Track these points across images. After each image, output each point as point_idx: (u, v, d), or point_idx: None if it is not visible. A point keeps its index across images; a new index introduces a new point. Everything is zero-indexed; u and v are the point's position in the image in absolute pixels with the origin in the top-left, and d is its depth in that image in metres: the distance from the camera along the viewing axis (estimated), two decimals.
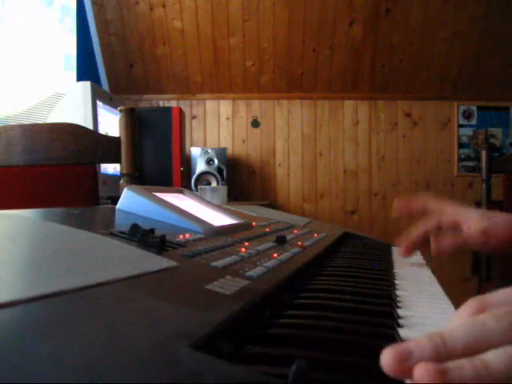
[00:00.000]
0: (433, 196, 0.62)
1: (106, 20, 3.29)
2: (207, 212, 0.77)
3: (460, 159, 3.66)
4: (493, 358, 0.23)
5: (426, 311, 0.47)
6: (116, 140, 1.16)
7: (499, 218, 0.53)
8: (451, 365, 0.22)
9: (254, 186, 3.63)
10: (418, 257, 0.87)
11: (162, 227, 0.57)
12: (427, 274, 0.71)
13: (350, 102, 3.65)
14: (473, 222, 0.62)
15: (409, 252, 0.69)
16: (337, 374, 0.28)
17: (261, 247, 0.59)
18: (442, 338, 0.24)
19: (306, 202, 3.64)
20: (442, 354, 0.23)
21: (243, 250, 0.54)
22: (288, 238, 0.71)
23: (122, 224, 0.52)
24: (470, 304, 0.29)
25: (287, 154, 3.65)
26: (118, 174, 1.20)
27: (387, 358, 0.23)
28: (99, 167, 2.14)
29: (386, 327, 0.38)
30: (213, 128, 3.65)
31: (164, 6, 3.22)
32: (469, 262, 3.24)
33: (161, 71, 3.51)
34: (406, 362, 0.23)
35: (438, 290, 0.60)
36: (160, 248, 0.43)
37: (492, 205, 1.66)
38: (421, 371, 0.22)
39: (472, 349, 0.24)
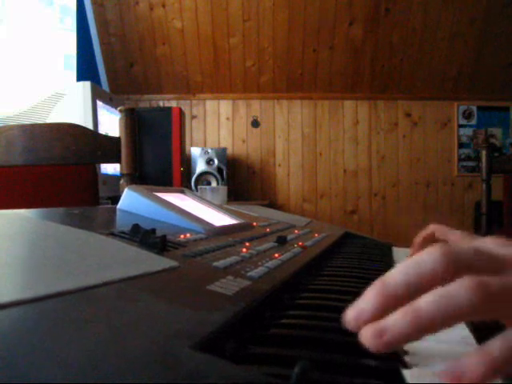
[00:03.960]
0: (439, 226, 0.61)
1: (106, 20, 3.29)
2: (208, 212, 0.77)
3: (460, 159, 3.66)
4: (424, 302, 0.24)
5: None
6: (116, 140, 1.16)
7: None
8: (388, 321, 0.24)
9: (253, 186, 3.63)
10: None
11: (163, 227, 0.57)
12: None
13: (350, 102, 3.65)
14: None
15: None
16: (338, 375, 0.28)
17: (262, 247, 0.59)
18: (385, 284, 0.26)
19: (306, 202, 3.64)
20: (387, 299, 0.25)
21: (244, 250, 0.54)
22: (289, 238, 0.71)
23: (122, 224, 0.52)
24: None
25: (287, 154, 3.65)
26: (118, 174, 1.20)
27: (347, 318, 0.26)
28: (99, 167, 2.14)
29: None
30: (213, 128, 3.65)
31: (164, 6, 3.22)
32: None
33: (161, 71, 3.51)
34: (362, 319, 0.25)
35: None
36: (161, 248, 0.43)
37: (492, 205, 1.66)
38: (364, 336, 0.24)
39: (413, 287, 0.26)
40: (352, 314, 0.26)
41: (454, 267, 0.26)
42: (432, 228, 0.61)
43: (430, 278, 0.26)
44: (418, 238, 0.64)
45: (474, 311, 0.24)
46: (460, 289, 0.25)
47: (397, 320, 0.24)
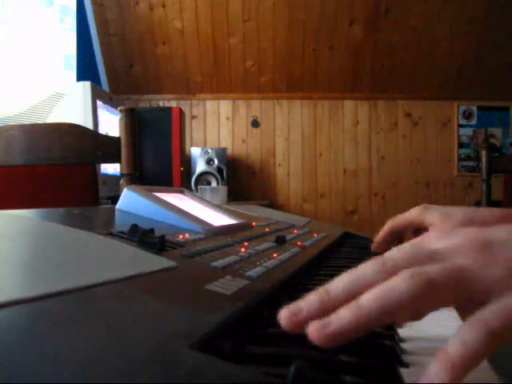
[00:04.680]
0: (392, 220, 0.61)
1: (106, 20, 3.29)
2: (207, 212, 0.77)
3: (460, 159, 3.66)
4: (365, 297, 0.26)
5: None
6: (116, 140, 1.16)
7: (458, 220, 0.52)
8: (332, 316, 0.25)
9: (253, 186, 3.63)
10: None
11: (162, 227, 0.57)
12: None
13: (350, 101, 3.65)
14: (433, 222, 0.59)
15: (381, 249, 0.67)
16: (336, 374, 0.28)
17: (260, 247, 0.59)
18: (326, 290, 0.27)
19: (305, 202, 3.64)
20: (327, 304, 0.27)
21: (243, 250, 0.54)
22: (288, 238, 0.71)
23: (121, 224, 0.52)
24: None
25: (287, 154, 3.65)
26: (118, 174, 1.20)
27: (282, 315, 0.27)
28: (99, 167, 2.14)
29: (386, 327, 0.38)
30: (213, 128, 3.65)
31: (164, 6, 3.22)
32: None
33: (161, 71, 3.51)
34: (297, 316, 0.26)
35: None
36: (159, 248, 0.43)
37: (492, 205, 1.66)
38: (309, 330, 0.25)
39: (352, 293, 0.27)
40: (288, 311, 0.27)
41: (390, 271, 0.27)
42: (388, 225, 0.60)
43: (367, 285, 0.27)
44: (379, 237, 0.62)
45: (415, 299, 0.25)
46: (399, 279, 0.25)
47: (340, 313, 0.25)
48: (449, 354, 0.23)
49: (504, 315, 0.24)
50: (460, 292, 0.26)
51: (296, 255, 0.60)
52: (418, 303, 0.25)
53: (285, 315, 0.27)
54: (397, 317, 0.26)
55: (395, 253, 0.29)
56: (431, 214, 0.55)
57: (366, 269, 0.28)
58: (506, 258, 0.26)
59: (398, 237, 0.64)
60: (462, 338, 0.23)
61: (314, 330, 0.25)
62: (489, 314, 0.24)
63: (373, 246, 0.66)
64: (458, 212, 0.52)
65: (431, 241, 0.31)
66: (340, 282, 0.28)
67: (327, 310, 0.26)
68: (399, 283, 0.25)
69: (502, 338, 0.23)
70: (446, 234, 0.31)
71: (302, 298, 0.28)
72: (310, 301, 0.27)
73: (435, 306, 0.26)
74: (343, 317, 0.25)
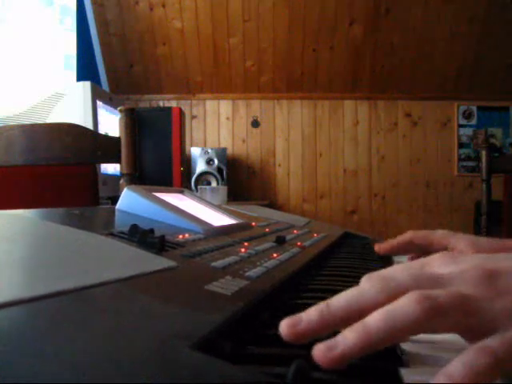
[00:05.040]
0: (415, 232, 0.62)
1: (106, 20, 3.29)
2: (207, 212, 0.77)
3: (460, 159, 3.66)
4: (371, 318, 0.25)
5: None
6: (116, 140, 1.16)
7: (486, 248, 0.53)
8: (338, 337, 0.25)
9: (253, 186, 3.63)
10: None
11: (162, 227, 0.57)
12: None
13: (350, 101, 3.65)
14: (461, 248, 0.60)
15: (384, 251, 0.68)
16: (336, 374, 0.28)
17: (260, 247, 0.59)
18: (327, 304, 0.28)
19: (305, 202, 3.64)
20: (326, 317, 0.27)
21: (243, 250, 0.54)
22: (288, 238, 0.71)
23: (121, 224, 0.52)
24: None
25: (287, 154, 3.65)
26: (118, 174, 1.20)
27: (282, 325, 0.27)
28: (99, 167, 2.14)
29: None
30: (213, 128, 3.65)
31: (164, 6, 3.22)
32: None
33: (161, 71, 3.51)
34: (296, 327, 0.27)
35: None
36: (159, 248, 0.43)
37: (492, 205, 1.66)
38: (315, 352, 0.25)
39: (353, 311, 0.27)
40: (288, 322, 0.27)
41: (393, 293, 0.27)
42: (409, 234, 0.61)
43: (368, 305, 0.27)
44: (395, 241, 0.63)
45: (421, 322, 0.25)
46: (405, 302, 0.25)
47: (346, 335, 0.25)
48: (451, 375, 0.23)
49: (509, 345, 0.24)
50: (465, 320, 0.26)
51: (296, 255, 0.60)
52: (423, 327, 0.25)
53: (285, 325, 0.27)
54: (402, 339, 0.27)
55: (399, 272, 0.29)
56: (459, 241, 0.55)
57: (369, 287, 0.28)
58: (509, 289, 0.26)
59: (411, 249, 0.65)
60: (466, 360, 0.23)
61: (319, 353, 0.25)
62: (494, 342, 0.24)
63: (381, 248, 0.66)
64: (486, 243, 0.52)
65: (436, 264, 0.31)
66: (341, 298, 0.28)
67: (326, 324, 0.27)
68: (406, 306, 0.25)
69: (505, 366, 0.23)
70: (452, 259, 0.31)
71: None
72: (310, 313, 0.27)
73: (439, 331, 0.26)
74: (349, 339, 0.25)
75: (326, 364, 0.24)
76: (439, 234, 0.59)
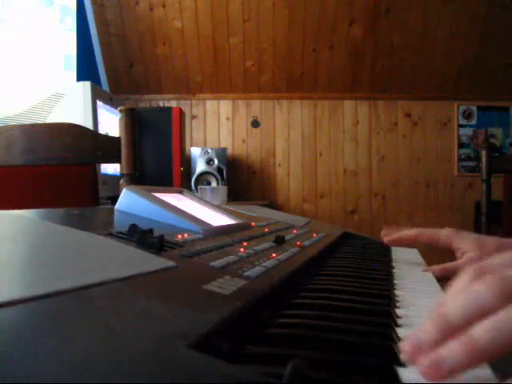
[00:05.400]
0: (422, 230, 0.63)
1: (106, 20, 3.29)
2: (206, 212, 0.77)
3: (460, 159, 3.66)
4: (480, 333, 0.24)
5: (424, 310, 0.47)
6: (116, 140, 1.16)
7: (492, 248, 0.53)
8: (445, 352, 0.24)
9: (253, 185, 3.63)
10: (417, 256, 0.87)
11: (161, 227, 0.57)
12: (427, 274, 0.71)
13: (350, 101, 3.65)
14: (466, 249, 0.61)
15: (392, 244, 0.69)
16: (335, 374, 0.28)
17: (259, 247, 0.59)
18: (444, 317, 0.26)
19: (305, 202, 3.64)
20: (446, 332, 0.26)
21: (242, 250, 0.54)
22: (287, 238, 0.71)
23: (120, 224, 0.52)
24: (468, 272, 0.29)
25: (287, 154, 3.65)
26: (118, 174, 1.20)
27: (405, 349, 0.26)
28: (99, 167, 2.14)
29: (385, 327, 0.38)
30: (213, 128, 3.65)
31: (164, 6, 3.22)
32: None
33: (161, 71, 3.51)
34: (420, 350, 0.25)
35: (437, 289, 0.60)
36: (158, 248, 0.43)
37: (492, 205, 1.66)
38: (423, 369, 0.24)
39: (471, 320, 0.26)
40: (410, 345, 0.26)
41: (507, 296, 0.26)
42: (415, 231, 0.62)
43: (488, 310, 0.26)
44: (402, 234, 0.65)
45: None
46: None
47: (454, 352, 0.24)
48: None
49: None
50: None
51: (295, 255, 0.60)
52: None
53: (408, 349, 0.26)
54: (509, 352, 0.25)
55: (506, 275, 0.27)
56: (464, 241, 0.56)
57: (485, 292, 0.26)
58: None
59: (415, 245, 0.66)
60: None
61: (427, 369, 0.24)
62: None
63: (389, 240, 0.67)
64: (492, 241, 0.53)
65: None
66: (456, 307, 0.26)
67: (446, 337, 0.26)
68: None
69: None
70: None
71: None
72: (430, 332, 0.26)
73: None
74: (458, 356, 0.24)
75: (435, 379, 0.24)
76: (444, 233, 0.60)
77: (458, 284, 0.29)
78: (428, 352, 0.25)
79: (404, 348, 0.26)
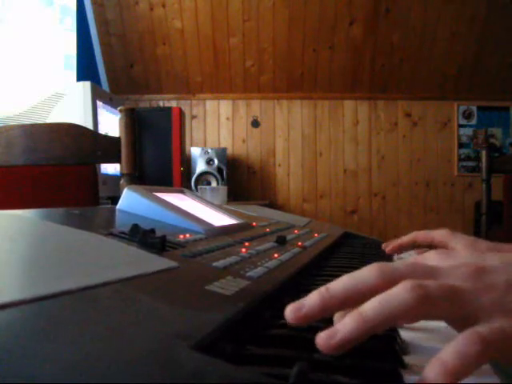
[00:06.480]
0: (418, 232, 0.67)
1: (106, 20, 3.29)
2: (207, 212, 0.77)
3: (460, 159, 3.66)
4: (367, 306, 0.28)
5: None
6: (116, 140, 1.16)
7: (484, 250, 0.56)
8: (338, 325, 0.27)
9: (253, 186, 3.63)
10: (417, 256, 0.87)
11: (163, 227, 0.57)
12: None
13: (350, 101, 3.65)
14: (459, 249, 0.63)
15: (393, 252, 0.73)
16: (337, 375, 0.28)
17: (261, 247, 0.59)
18: (327, 288, 0.30)
19: (305, 201, 3.64)
20: (327, 300, 0.29)
21: (244, 250, 0.54)
22: (288, 238, 0.71)
23: (122, 224, 0.52)
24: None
25: (287, 154, 3.65)
26: (118, 174, 1.20)
27: (287, 310, 0.29)
28: (99, 167, 2.14)
29: (389, 328, 0.38)
30: (213, 128, 3.65)
31: (164, 6, 3.22)
32: None
33: (161, 71, 3.51)
34: (300, 311, 0.29)
35: None
36: (160, 248, 0.43)
37: (492, 205, 1.66)
38: (318, 340, 0.27)
39: (351, 295, 0.29)
40: (292, 307, 0.29)
41: (389, 279, 0.29)
42: (413, 234, 0.66)
43: (366, 289, 0.29)
44: (401, 241, 0.68)
45: (413, 310, 0.27)
46: (400, 290, 0.27)
47: (346, 323, 0.27)
48: (443, 361, 0.24)
49: (496, 332, 0.26)
50: (453, 309, 0.28)
51: (297, 255, 0.60)
52: (415, 313, 0.27)
53: (289, 311, 0.29)
54: (395, 323, 0.29)
55: (397, 263, 0.32)
56: (458, 241, 0.59)
57: (367, 273, 0.30)
58: (495, 284, 0.29)
59: (415, 248, 0.69)
60: (458, 346, 0.25)
61: (321, 340, 0.27)
62: (483, 329, 0.26)
63: (388, 249, 0.71)
64: (484, 244, 0.56)
65: (433, 259, 0.34)
66: (340, 282, 0.30)
67: (327, 307, 0.29)
68: (400, 293, 0.27)
69: (494, 350, 0.25)
70: (447, 255, 0.34)
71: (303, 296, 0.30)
72: (311, 298, 0.30)
73: (429, 318, 0.28)
74: (347, 326, 0.27)
75: (328, 350, 0.27)
76: (439, 234, 0.62)
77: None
78: (307, 315, 0.29)
79: (287, 309, 0.29)
